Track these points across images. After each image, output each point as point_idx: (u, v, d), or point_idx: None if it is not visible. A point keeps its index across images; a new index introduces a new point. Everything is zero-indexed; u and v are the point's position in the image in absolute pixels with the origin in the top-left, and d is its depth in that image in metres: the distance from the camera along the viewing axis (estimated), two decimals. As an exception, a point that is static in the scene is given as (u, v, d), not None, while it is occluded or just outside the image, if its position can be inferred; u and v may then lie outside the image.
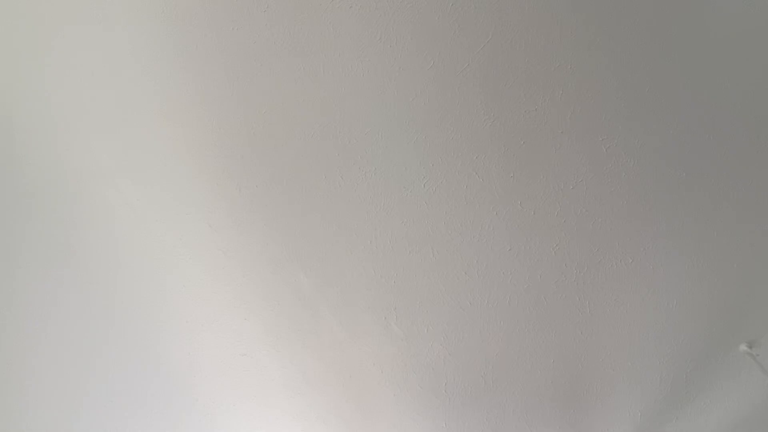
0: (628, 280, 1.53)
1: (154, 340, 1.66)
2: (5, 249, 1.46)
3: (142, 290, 1.55)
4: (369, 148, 1.33)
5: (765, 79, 1.21)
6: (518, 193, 1.39)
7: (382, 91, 1.25)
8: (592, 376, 1.75)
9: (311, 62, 1.21)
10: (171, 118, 1.29)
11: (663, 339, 1.65)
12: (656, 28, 1.15)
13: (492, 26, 1.16)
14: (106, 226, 1.44)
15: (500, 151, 1.33)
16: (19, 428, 1.74)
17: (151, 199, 1.40)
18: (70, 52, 1.20)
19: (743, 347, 1.64)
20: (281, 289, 1.57)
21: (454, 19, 1.15)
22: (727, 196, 1.38)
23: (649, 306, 1.58)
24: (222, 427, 1.91)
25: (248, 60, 1.21)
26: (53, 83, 1.24)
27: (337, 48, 1.19)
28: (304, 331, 1.66)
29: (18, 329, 1.58)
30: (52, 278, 1.51)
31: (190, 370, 1.74)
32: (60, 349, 1.63)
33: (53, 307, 1.56)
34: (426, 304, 1.60)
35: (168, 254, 1.49)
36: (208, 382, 1.77)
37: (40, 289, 1.53)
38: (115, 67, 1.22)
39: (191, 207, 1.42)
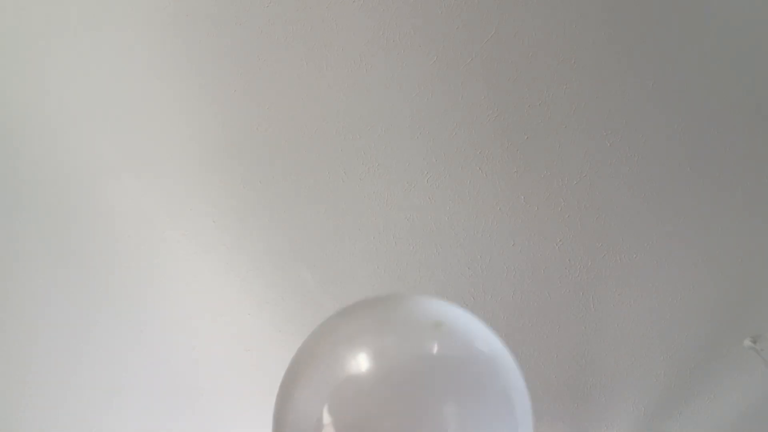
0: (632, 276, 1.52)
1: (157, 337, 1.66)
2: (8, 244, 1.47)
3: (145, 286, 1.56)
4: (372, 143, 1.33)
5: (771, 73, 1.20)
6: (521, 189, 1.39)
7: (384, 86, 1.25)
8: (595, 371, 1.75)
9: (314, 57, 1.21)
10: (174, 115, 1.29)
11: (667, 334, 1.65)
12: (660, 23, 1.14)
13: (496, 20, 1.16)
14: (109, 221, 1.44)
15: (503, 146, 1.32)
16: (18, 427, 1.75)
17: (154, 194, 1.41)
18: (74, 50, 1.20)
19: (747, 342, 1.63)
20: (285, 284, 1.57)
21: (457, 13, 1.15)
22: (732, 192, 1.37)
23: (653, 301, 1.58)
24: (226, 423, 1.92)
25: (251, 56, 1.21)
26: (57, 81, 1.25)
27: (339, 43, 1.19)
28: (309, 326, 1.65)
29: (19, 326, 1.59)
30: (54, 274, 1.52)
31: (194, 367, 1.75)
32: (61, 346, 1.64)
33: (55, 302, 1.57)
34: (429, 299, 1.60)
35: (171, 250, 1.50)
36: (212, 378, 1.78)
37: (42, 285, 1.53)
38: (118, 64, 1.22)
39: (195, 203, 1.42)
